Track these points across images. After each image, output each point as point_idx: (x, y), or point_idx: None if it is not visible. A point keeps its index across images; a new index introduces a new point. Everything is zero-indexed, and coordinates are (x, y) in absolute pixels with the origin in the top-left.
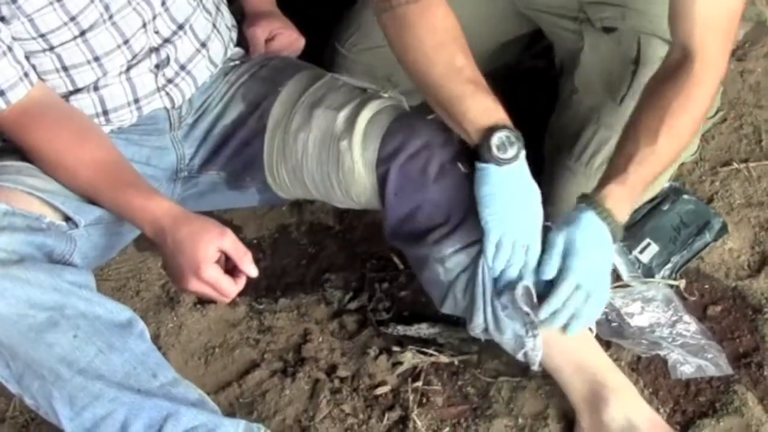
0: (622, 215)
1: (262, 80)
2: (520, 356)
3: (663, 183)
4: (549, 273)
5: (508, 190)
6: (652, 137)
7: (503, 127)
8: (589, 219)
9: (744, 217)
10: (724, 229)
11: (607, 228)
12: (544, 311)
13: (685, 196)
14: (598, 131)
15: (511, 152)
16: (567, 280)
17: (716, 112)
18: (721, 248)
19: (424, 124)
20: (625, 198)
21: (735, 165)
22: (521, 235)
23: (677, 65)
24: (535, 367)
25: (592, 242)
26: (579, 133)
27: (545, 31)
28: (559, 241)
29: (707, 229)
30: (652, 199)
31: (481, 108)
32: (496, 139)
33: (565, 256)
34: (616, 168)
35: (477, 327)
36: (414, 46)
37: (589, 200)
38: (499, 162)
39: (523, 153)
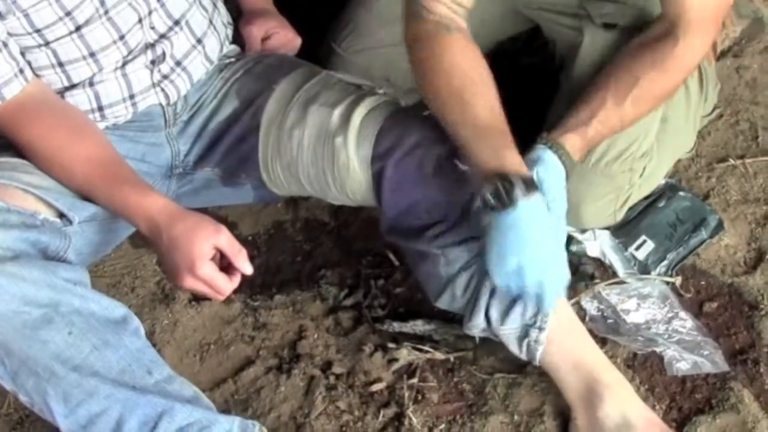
0: (575, 159)
1: (257, 77)
2: (521, 349)
3: (659, 180)
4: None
5: (509, 236)
6: (621, 100)
7: (502, 175)
8: (554, 161)
9: (740, 213)
10: (720, 225)
11: (564, 170)
12: None
13: (681, 193)
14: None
15: (506, 199)
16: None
17: (713, 110)
18: (717, 245)
19: (420, 120)
20: (581, 148)
21: (731, 161)
22: (528, 284)
23: (660, 36)
24: (535, 362)
25: (557, 181)
26: None
27: (544, 28)
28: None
29: (703, 225)
30: (648, 196)
31: (488, 151)
32: (490, 186)
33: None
34: (577, 118)
35: (476, 327)
36: (436, 80)
37: (551, 142)
38: (494, 208)
39: (522, 201)
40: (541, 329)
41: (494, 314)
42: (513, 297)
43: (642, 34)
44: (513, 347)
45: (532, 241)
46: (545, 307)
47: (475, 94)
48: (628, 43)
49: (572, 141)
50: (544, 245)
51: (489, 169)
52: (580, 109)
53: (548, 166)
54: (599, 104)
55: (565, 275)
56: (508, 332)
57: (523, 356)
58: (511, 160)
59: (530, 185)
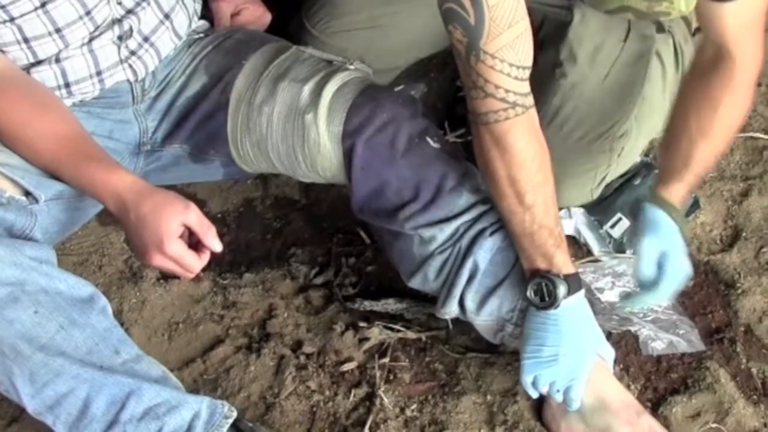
0: (682, 205)
1: (226, 52)
2: (494, 339)
3: (636, 157)
4: (647, 280)
5: (550, 331)
6: (708, 136)
7: (546, 273)
8: (669, 224)
9: (716, 190)
10: (696, 204)
11: (677, 226)
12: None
13: (657, 171)
14: (578, 107)
15: (548, 300)
16: (666, 282)
17: None
18: (693, 222)
19: (391, 97)
20: (685, 196)
21: None
22: (559, 378)
23: (714, 61)
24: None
25: (677, 247)
26: (559, 107)
27: (531, 7)
28: (652, 249)
29: None
30: (624, 174)
31: (538, 249)
32: (533, 283)
33: (660, 262)
34: (674, 168)
35: (447, 314)
36: (496, 166)
37: (659, 201)
38: (536, 306)
39: (564, 302)
40: (517, 325)
41: (470, 304)
42: (539, 392)
43: (694, 66)
44: (487, 336)
45: (570, 336)
46: (572, 398)
47: (535, 190)
48: (686, 82)
49: (677, 193)
50: (581, 341)
51: (536, 266)
52: (674, 158)
53: (661, 228)
54: (690, 147)
55: (609, 353)
56: (483, 323)
57: (496, 343)
58: (559, 260)
59: (574, 286)
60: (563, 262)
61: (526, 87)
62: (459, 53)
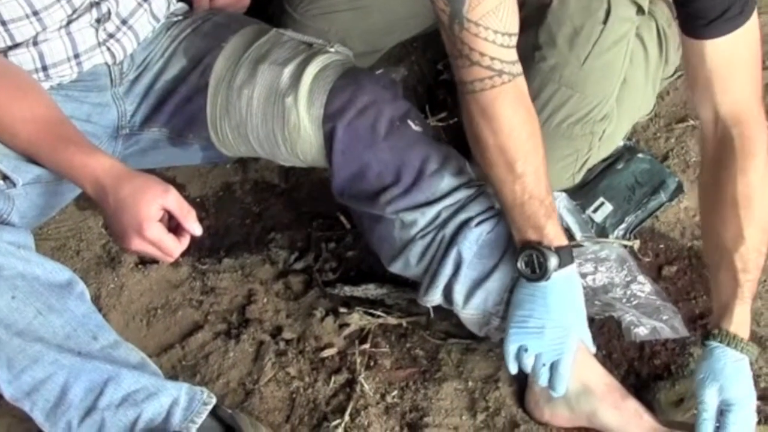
0: (749, 328)
1: (205, 35)
2: (479, 332)
3: (618, 141)
4: None
5: (538, 302)
6: (740, 238)
7: (536, 245)
8: (734, 365)
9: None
10: (679, 188)
11: (748, 359)
12: None
13: (640, 155)
14: (558, 90)
15: (539, 272)
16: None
17: (674, 71)
18: (676, 207)
19: (372, 80)
20: (748, 312)
21: (691, 121)
22: (545, 351)
23: (719, 146)
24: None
25: (743, 389)
26: (539, 90)
27: None
28: (712, 399)
29: (662, 188)
30: (607, 158)
31: (529, 221)
32: (524, 255)
33: (722, 410)
34: (728, 288)
35: (429, 302)
36: (485, 136)
37: (725, 337)
38: (526, 277)
39: (555, 275)
40: (503, 318)
41: (457, 297)
42: (525, 364)
43: (702, 168)
44: (472, 329)
45: (558, 310)
46: (561, 374)
47: (525, 158)
48: (703, 187)
49: (738, 315)
50: (568, 316)
51: (527, 238)
52: (722, 280)
53: (729, 375)
54: (730, 261)
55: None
56: (469, 316)
57: (481, 335)
58: (550, 231)
59: (565, 258)
60: (554, 234)
61: (512, 54)
62: (443, 22)
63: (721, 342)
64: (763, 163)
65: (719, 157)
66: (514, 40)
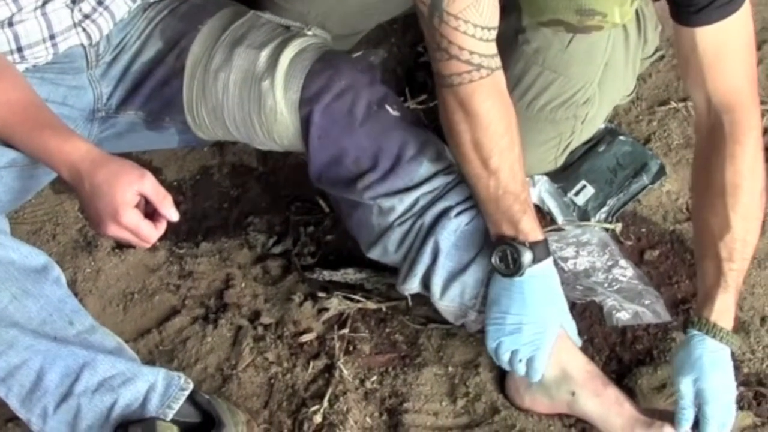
0: (732, 318)
1: (182, 17)
2: (456, 322)
3: (599, 124)
4: (686, 426)
5: (514, 299)
6: (726, 226)
7: (511, 241)
8: (712, 355)
9: (683, 158)
10: (662, 171)
11: (728, 350)
12: None
13: (622, 137)
14: (542, 73)
15: (512, 267)
16: (708, 424)
17: (655, 51)
18: (658, 191)
19: (350, 63)
20: (732, 302)
21: (673, 104)
22: (521, 348)
23: (710, 133)
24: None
25: (720, 380)
26: (522, 74)
27: None
28: (688, 389)
29: (644, 171)
30: (588, 141)
31: (504, 215)
32: (498, 250)
33: (701, 402)
34: (711, 276)
35: (409, 290)
36: (461, 129)
37: (704, 326)
38: (501, 273)
39: (529, 270)
40: (480, 312)
41: (435, 289)
42: (503, 359)
43: (695, 155)
44: (449, 320)
45: (534, 306)
46: (535, 369)
47: (500, 154)
48: (695, 173)
49: (721, 304)
50: (545, 311)
51: (502, 233)
52: (705, 269)
53: (707, 368)
54: (715, 249)
55: (572, 326)
56: (446, 307)
57: (458, 325)
58: (525, 226)
59: (540, 254)
60: (530, 229)
61: (491, 48)
62: (422, 14)
63: (699, 330)
64: (752, 150)
65: (710, 144)
66: (493, 34)
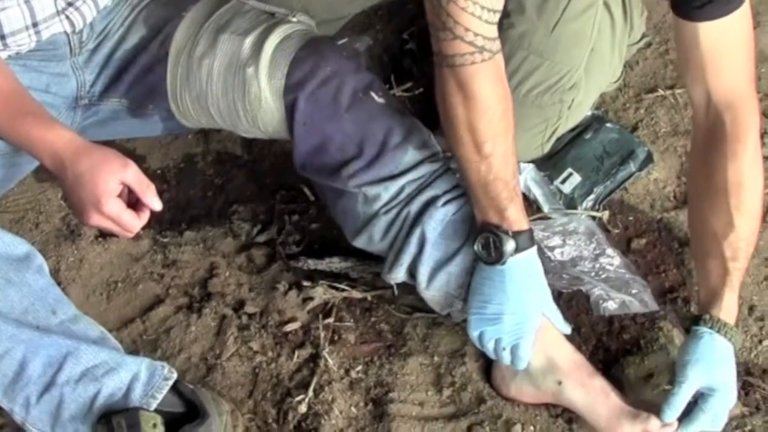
0: (735, 316)
1: (166, 3)
2: (441, 312)
3: (586, 110)
4: (672, 416)
5: (496, 287)
6: (729, 226)
7: (495, 228)
8: (722, 352)
9: (670, 146)
10: (649, 158)
11: (732, 348)
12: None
13: (609, 125)
14: (527, 58)
15: (494, 255)
16: (702, 417)
17: (641, 38)
18: (646, 179)
19: (334, 50)
20: (736, 300)
21: (660, 92)
22: (504, 336)
23: (710, 131)
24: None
25: (727, 376)
26: (507, 58)
27: None
28: (696, 382)
29: (631, 158)
30: (575, 128)
31: (492, 202)
32: (481, 237)
33: (703, 394)
34: (716, 276)
35: (395, 279)
36: (457, 112)
37: (715, 323)
38: (483, 260)
39: (511, 259)
40: (465, 301)
41: (421, 278)
42: (487, 347)
43: (692, 153)
44: (435, 309)
45: (516, 295)
46: (520, 356)
47: (494, 139)
48: (693, 172)
49: (725, 301)
50: (527, 300)
51: (487, 219)
52: (709, 266)
53: (714, 360)
54: (719, 249)
55: (556, 315)
56: (432, 297)
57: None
58: (511, 214)
59: (523, 243)
60: (515, 218)
61: (494, 31)
62: None
63: (711, 328)
64: (753, 148)
65: (710, 142)
66: (497, 17)
